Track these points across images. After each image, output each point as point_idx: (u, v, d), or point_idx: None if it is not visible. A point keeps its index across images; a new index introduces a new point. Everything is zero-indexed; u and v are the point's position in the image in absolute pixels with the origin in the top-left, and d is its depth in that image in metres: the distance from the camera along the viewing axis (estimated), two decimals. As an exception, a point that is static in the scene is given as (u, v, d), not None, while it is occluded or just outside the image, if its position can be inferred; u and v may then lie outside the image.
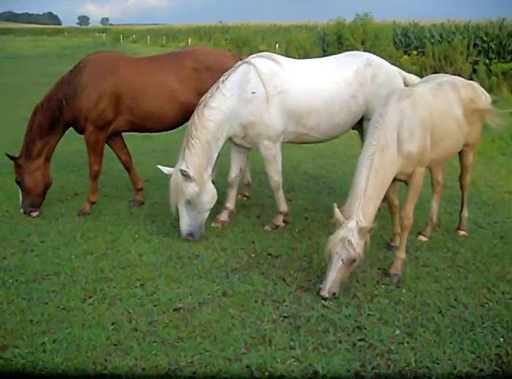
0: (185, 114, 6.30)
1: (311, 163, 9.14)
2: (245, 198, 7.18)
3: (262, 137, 5.73)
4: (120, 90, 6.11)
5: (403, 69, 21.30)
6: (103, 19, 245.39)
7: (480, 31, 22.43)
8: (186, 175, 5.41)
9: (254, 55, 5.99)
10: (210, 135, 5.55)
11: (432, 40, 24.08)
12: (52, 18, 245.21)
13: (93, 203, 6.50)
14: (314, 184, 7.94)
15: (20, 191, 6.28)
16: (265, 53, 6.09)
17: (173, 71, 6.28)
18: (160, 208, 6.66)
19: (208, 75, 6.23)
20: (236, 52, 29.39)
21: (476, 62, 19.80)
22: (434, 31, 25.06)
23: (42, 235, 5.76)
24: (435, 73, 19.87)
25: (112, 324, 4.05)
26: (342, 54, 6.36)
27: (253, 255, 5.36)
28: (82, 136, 6.37)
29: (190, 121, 5.68)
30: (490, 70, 18.65)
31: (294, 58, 6.58)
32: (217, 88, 5.61)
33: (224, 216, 6.21)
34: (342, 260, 4.36)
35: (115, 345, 3.79)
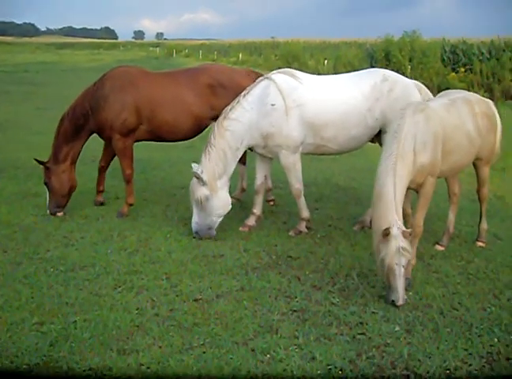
0: (198, 126, 6.90)
1: (344, 176, 9.44)
2: (271, 203, 7.56)
3: (282, 148, 6.13)
4: (139, 101, 6.66)
5: (450, 86, 21.24)
6: (157, 33, 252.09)
7: (530, 47, 22.18)
8: (199, 178, 5.93)
9: (274, 71, 6.45)
10: (227, 144, 6.04)
11: (481, 57, 23.94)
12: (109, 33, 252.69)
13: (131, 205, 7.02)
14: (342, 195, 8.24)
15: (47, 193, 6.83)
16: (285, 69, 6.54)
17: (188, 85, 6.83)
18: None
19: (221, 91, 6.81)
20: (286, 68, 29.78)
21: (525, 79, 19.61)
22: (483, 48, 24.90)
23: (83, 232, 6.32)
24: (482, 90, 19.83)
25: (137, 310, 4.51)
26: (362, 71, 6.71)
27: (273, 256, 5.74)
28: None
29: (211, 131, 6.19)
30: (539, 87, 18.41)
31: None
32: (238, 101, 6.12)
33: (251, 221, 6.61)
34: (403, 266, 4.64)
35: (137, 326, 4.25)
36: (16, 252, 5.71)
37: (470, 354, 3.99)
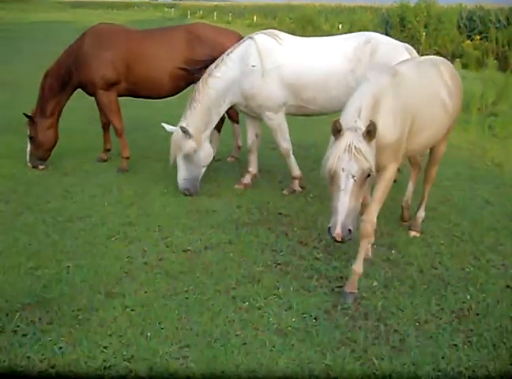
0: (176, 82, 7.04)
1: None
2: (233, 159, 7.82)
3: (264, 108, 6.24)
4: (115, 58, 6.83)
5: (464, 54, 20.82)
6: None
7: (548, 15, 21.70)
8: (185, 132, 6.13)
9: (258, 32, 6.52)
10: (210, 101, 6.21)
11: (497, 25, 23.47)
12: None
13: (127, 158, 7.22)
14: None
15: (28, 146, 7.07)
16: (269, 30, 6.58)
17: (164, 42, 7.00)
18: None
19: (196, 44, 6.94)
20: (300, 31, 29.42)
21: (542, 48, 19.27)
22: (501, 15, 24.39)
23: (83, 186, 6.54)
24: (497, 58, 19.56)
25: (127, 258, 4.75)
26: (348, 34, 6.71)
27: (264, 213, 5.91)
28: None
29: (195, 87, 6.36)
30: (556, 56, 18.08)
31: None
32: (222, 59, 6.23)
33: (246, 179, 6.76)
34: (353, 177, 3.49)
35: (126, 273, 4.49)
36: (18, 203, 5.94)
37: (442, 309, 4.16)
